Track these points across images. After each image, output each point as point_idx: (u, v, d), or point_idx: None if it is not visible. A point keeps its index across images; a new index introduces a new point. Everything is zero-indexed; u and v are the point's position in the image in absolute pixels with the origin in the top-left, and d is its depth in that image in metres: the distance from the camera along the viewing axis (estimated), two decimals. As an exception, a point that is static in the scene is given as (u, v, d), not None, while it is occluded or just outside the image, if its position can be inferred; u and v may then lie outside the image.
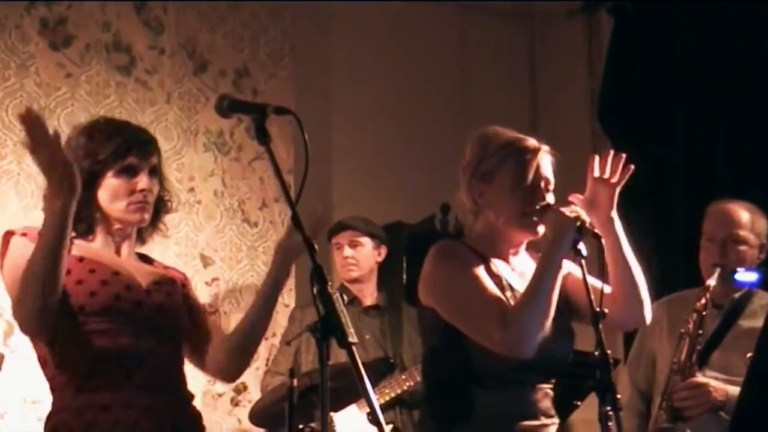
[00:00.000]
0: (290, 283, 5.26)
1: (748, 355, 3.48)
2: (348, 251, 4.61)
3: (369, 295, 4.67)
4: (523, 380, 2.67)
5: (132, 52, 4.99)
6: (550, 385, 2.75)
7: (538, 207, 2.69)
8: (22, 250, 2.52)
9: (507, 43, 6.13)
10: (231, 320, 5.10)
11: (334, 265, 4.71)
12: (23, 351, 4.51)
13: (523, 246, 2.81)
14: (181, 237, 5.02)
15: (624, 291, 2.71)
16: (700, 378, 3.53)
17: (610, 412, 2.43)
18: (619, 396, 2.45)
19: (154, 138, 2.78)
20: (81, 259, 2.62)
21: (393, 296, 4.83)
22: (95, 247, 2.69)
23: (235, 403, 5.07)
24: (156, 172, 2.73)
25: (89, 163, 2.61)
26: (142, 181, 2.67)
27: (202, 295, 5.05)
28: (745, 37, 4.98)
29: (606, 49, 5.64)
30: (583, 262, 2.59)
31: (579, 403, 2.70)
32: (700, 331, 3.55)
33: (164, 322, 2.68)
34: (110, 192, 2.65)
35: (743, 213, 3.71)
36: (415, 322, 4.57)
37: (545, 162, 2.75)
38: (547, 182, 2.75)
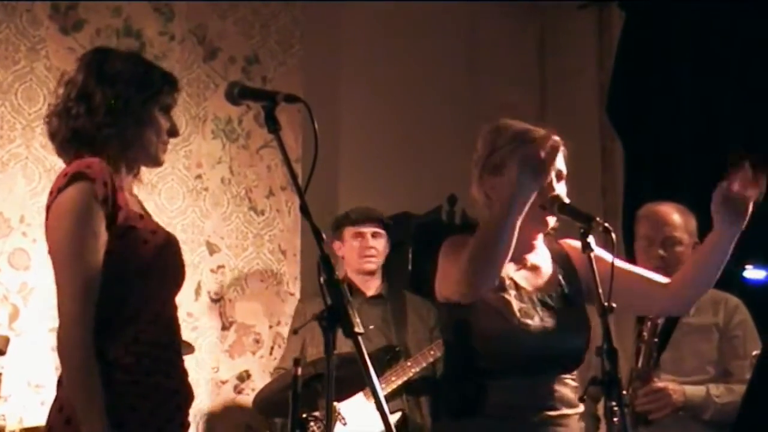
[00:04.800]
0: (295, 271, 5.28)
1: (755, 353, 3.50)
2: (372, 242, 4.61)
3: (374, 287, 4.67)
4: (537, 372, 2.66)
5: (142, 38, 4.98)
6: (571, 376, 2.74)
7: (548, 198, 2.68)
8: None
9: (517, 35, 6.11)
10: (236, 308, 5.10)
11: (345, 254, 4.67)
12: (28, 334, 4.54)
13: (539, 240, 2.80)
14: (187, 224, 5.02)
15: (701, 280, 2.72)
16: (658, 383, 3.58)
17: (616, 408, 2.42)
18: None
19: None
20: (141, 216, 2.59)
21: (398, 286, 4.82)
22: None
23: (238, 390, 5.08)
24: None
25: (143, 92, 2.58)
26: (175, 123, 2.67)
27: (208, 282, 5.06)
28: (757, 33, 4.96)
29: (616, 42, 5.62)
30: (592, 255, 2.58)
31: (584, 397, 2.70)
32: (656, 339, 3.60)
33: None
34: (156, 127, 2.61)
35: (675, 214, 3.78)
36: (417, 310, 4.60)
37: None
38: (558, 172, 2.73)
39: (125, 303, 2.48)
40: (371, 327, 4.53)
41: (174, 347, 2.59)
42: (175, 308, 2.62)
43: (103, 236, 2.46)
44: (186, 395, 2.59)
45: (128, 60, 2.63)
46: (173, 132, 2.66)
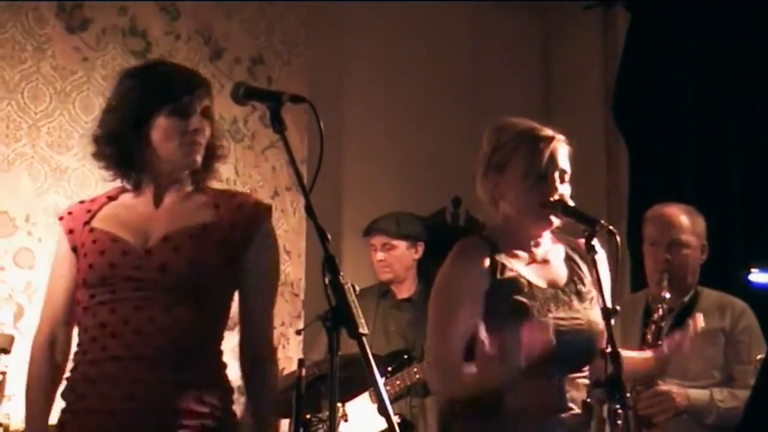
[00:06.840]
0: (300, 272, 5.27)
1: (759, 356, 3.50)
2: (380, 255, 4.63)
3: (406, 290, 4.69)
4: (550, 372, 2.64)
5: (148, 37, 4.98)
6: (583, 375, 2.72)
7: (551, 200, 2.68)
8: None
9: (522, 36, 6.11)
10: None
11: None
12: (33, 333, 4.53)
13: (545, 236, 2.79)
14: (192, 223, 5.01)
15: None
16: (662, 386, 3.58)
17: (620, 410, 2.41)
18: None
19: (207, 80, 2.78)
20: (91, 230, 2.62)
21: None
22: (128, 200, 2.67)
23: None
24: (208, 115, 2.70)
25: (141, 103, 2.61)
26: (195, 121, 2.65)
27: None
28: (762, 34, 4.96)
29: (621, 43, 5.62)
30: (596, 258, 2.58)
31: (589, 399, 2.70)
32: (660, 342, 3.58)
33: (172, 282, 2.52)
34: (163, 132, 2.61)
35: (683, 216, 3.75)
36: None
37: (560, 152, 2.72)
38: (562, 172, 2.72)
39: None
40: (392, 329, 4.54)
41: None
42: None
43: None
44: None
45: (124, 90, 2.69)
46: (185, 132, 2.64)
